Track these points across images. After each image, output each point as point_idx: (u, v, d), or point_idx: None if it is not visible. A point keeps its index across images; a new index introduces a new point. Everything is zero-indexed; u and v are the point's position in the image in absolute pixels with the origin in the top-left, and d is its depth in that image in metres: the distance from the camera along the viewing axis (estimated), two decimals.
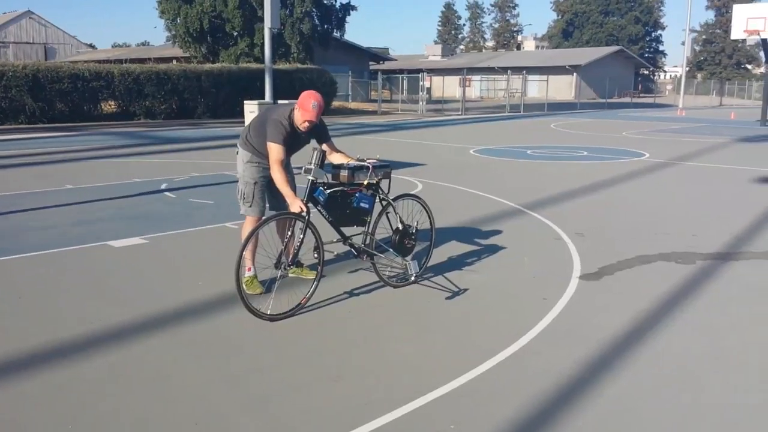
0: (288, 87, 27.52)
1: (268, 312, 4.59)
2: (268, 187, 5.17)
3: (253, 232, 4.75)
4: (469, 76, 48.71)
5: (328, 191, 4.92)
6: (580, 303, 5.08)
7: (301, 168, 4.87)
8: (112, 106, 25.40)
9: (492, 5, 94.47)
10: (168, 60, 39.83)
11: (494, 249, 6.65)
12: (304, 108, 4.83)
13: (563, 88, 60.89)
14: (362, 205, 5.13)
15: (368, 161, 5.17)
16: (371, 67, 51.25)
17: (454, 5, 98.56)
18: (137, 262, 6.06)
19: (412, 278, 5.28)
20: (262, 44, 31.44)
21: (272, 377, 3.74)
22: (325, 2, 36.36)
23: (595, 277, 5.75)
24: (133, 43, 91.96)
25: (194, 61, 35.94)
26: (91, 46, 70.04)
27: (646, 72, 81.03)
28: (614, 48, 69.14)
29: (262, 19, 31.62)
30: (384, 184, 5.31)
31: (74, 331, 4.32)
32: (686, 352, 4.19)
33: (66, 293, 5.12)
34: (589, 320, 4.72)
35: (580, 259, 6.32)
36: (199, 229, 7.36)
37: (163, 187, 10.10)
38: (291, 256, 4.81)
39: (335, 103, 34.23)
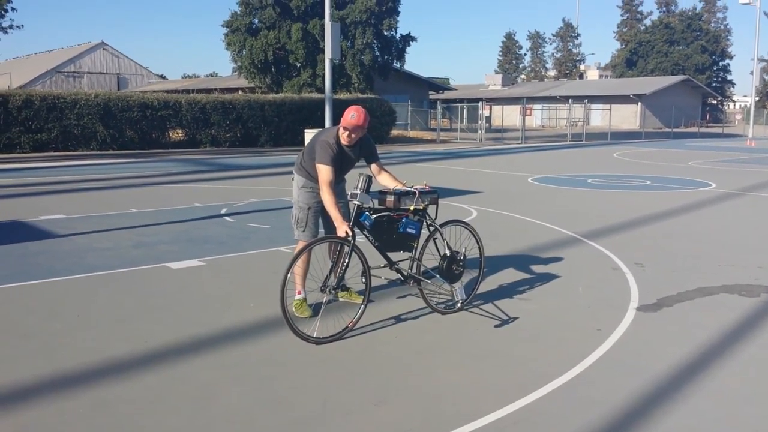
0: None
1: (314, 335, 4.60)
2: (322, 212, 5.21)
3: (299, 254, 4.79)
4: (530, 105, 48.38)
5: (374, 216, 4.94)
6: (636, 334, 4.91)
7: (348, 194, 4.91)
8: (180, 134, 26.23)
9: (554, 35, 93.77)
10: (233, 90, 41.02)
11: (548, 278, 6.52)
12: (344, 120, 4.90)
13: (627, 117, 59.80)
14: (408, 230, 5.12)
15: (415, 187, 5.17)
16: (431, 97, 51.56)
17: (515, 35, 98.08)
18: (193, 283, 6.18)
19: (458, 304, 5.22)
20: (324, 75, 32.16)
21: (315, 399, 3.73)
22: (385, 34, 36.85)
23: (653, 309, 5.56)
24: (202, 74, 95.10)
25: (258, 91, 36.89)
26: (162, 76, 72.74)
27: (714, 101, 78.87)
28: (680, 77, 67.63)
29: (323, 51, 32.38)
30: (431, 210, 5.29)
31: (125, 350, 4.42)
32: (746, 390, 3.98)
33: (121, 312, 5.25)
34: (645, 352, 4.55)
35: (638, 289, 6.13)
36: (254, 253, 7.47)
37: (223, 211, 10.32)
38: (336, 280, 4.83)
39: (394, 132, 34.48)
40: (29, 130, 22.01)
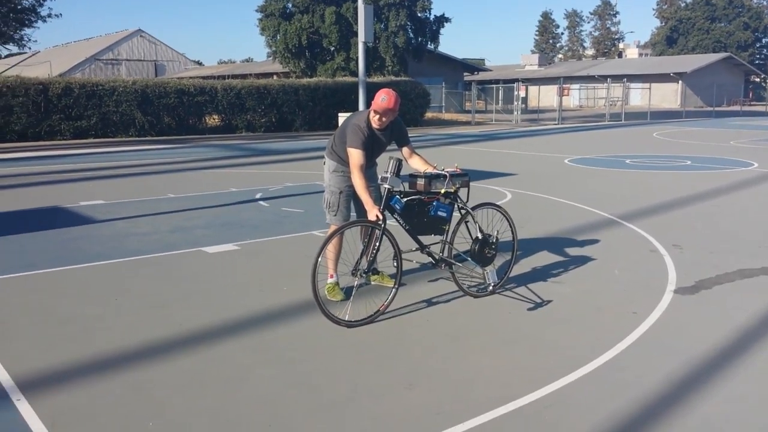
0: None
1: (346, 318, 4.62)
2: (353, 196, 5.21)
3: (330, 238, 4.79)
4: (567, 85, 47.60)
5: (405, 200, 4.92)
6: (673, 317, 4.82)
7: (379, 177, 4.90)
8: (216, 120, 26.48)
9: (591, 13, 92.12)
10: (268, 75, 41.16)
11: (584, 260, 6.44)
12: (375, 103, 4.87)
13: (668, 96, 58.51)
14: (440, 213, 5.09)
15: (446, 170, 5.13)
16: (465, 78, 51.08)
17: (551, 14, 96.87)
18: (228, 267, 6.25)
19: (490, 287, 5.18)
20: (357, 58, 32.04)
21: (346, 382, 3.75)
22: (419, 15, 36.54)
23: (691, 291, 5.45)
24: (238, 60, 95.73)
25: (293, 75, 36.97)
26: (198, 62, 73.46)
27: (757, 79, 76.65)
28: (722, 55, 65.84)
29: (357, 34, 32.25)
30: (462, 193, 5.25)
31: (160, 333, 4.50)
32: None
33: (158, 296, 5.35)
34: (682, 335, 4.47)
35: (676, 271, 6.01)
36: (288, 237, 7.53)
37: (257, 196, 10.40)
38: (367, 264, 4.83)
39: (429, 114, 34.30)
40: (69, 118, 22.43)
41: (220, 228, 7.99)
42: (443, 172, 5.07)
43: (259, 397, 3.57)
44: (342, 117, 23.41)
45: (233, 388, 3.68)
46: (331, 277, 5.23)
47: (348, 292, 5.17)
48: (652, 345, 4.30)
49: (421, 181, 5.00)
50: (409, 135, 5.35)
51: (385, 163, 4.91)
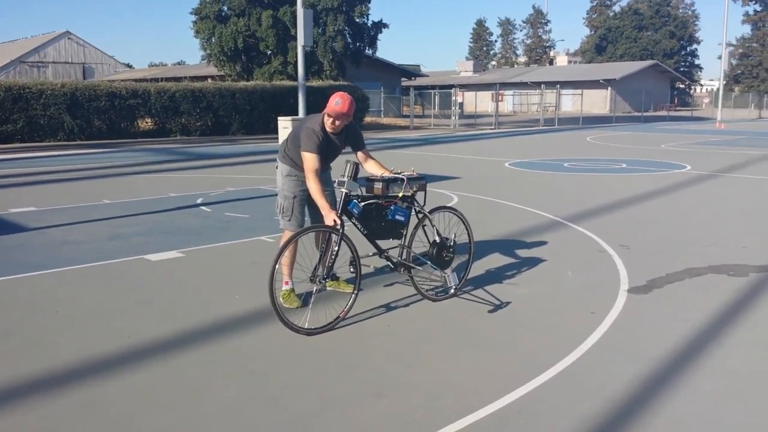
0: (321, 103, 27.23)
1: (306, 326, 4.46)
2: (307, 200, 5.05)
3: (287, 245, 4.63)
4: (502, 91, 48.43)
5: (363, 204, 4.81)
6: (631, 317, 4.85)
7: (335, 181, 4.77)
8: (149, 124, 25.75)
9: (524, 21, 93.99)
10: (203, 78, 40.38)
11: (535, 262, 6.45)
12: (329, 107, 4.75)
13: (598, 102, 60.22)
14: (397, 217, 5.00)
15: (403, 174, 5.05)
16: (403, 83, 51.34)
17: (485, 22, 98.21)
18: (174, 275, 5.99)
19: (452, 290, 5.10)
20: (296, 62, 31.67)
21: (310, 394, 3.59)
22: (357, 21, 36.50)
23: (644, 291, 5.51)
24: (170, 63, 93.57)
25: (228, 79, 36.36)
26: (129, 65, 71.47)
27: (682, 86, 79.86)
28: (649, 62, 68.31)
29: (295, 38, 31.88)
30: (419, 196, 5.18)
31: (108, 347, 4.24)
32: (745, 370, 3.94)
33: (102, 307, 5.06)
34: (641, 335, 4.49)
35: (626, 271, 6.08)
36: (235, 243, 7.29)
37: (198, 201, 10.08)
38: (326, 270, 4.69)
39: (368, 119, 34.28)
40: None
41: (162, 235, 7.68)
42: (400, 176, 4.98)
43: (219, 413, 3.38)
44: (282, 121, 23.10)
45: (191, 404, 3.48)
46: (286, 284, 5.06)
47: (303, 299, 5.02)
48: (614, 346, 4.30)
49: (378, 185, 4.89)
50: None
51: (341, 166, 4.78)
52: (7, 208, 9.41)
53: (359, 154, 5.16)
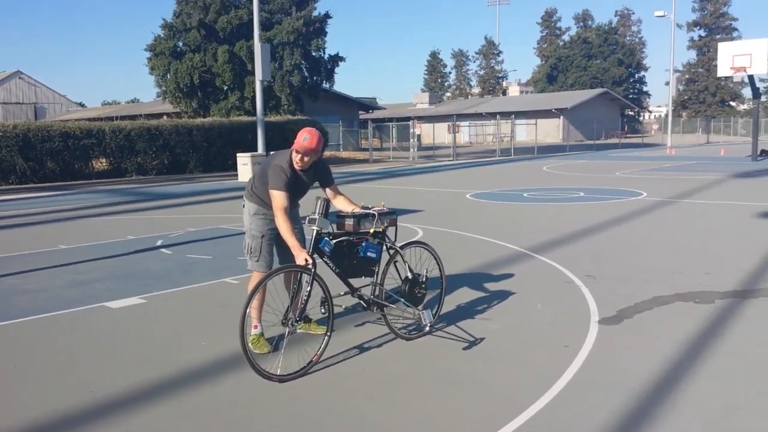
0: (279, 138, 27.56)
1: (278, 372, 4.33)
2: (276, 240, 4.96)
3: (258, 287, 4.50)
4: (458, 122, 49.12)
5: (334, 241, 4.73)
6: (605, 349, 4.84)
7: (305, 219, 4.69)
8: (104, 164, 25.30)
9: (476, 53, 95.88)
10: (158, 116, 39.95)
11: (505, 295, 6.43)
12: (297, 143, 4.69)
13: (551, 131, 61.44)
14: (369, 254, 4.93)
15: (374, 209, 5.00)
16: (361, 116, 51.70)
17: (439, 53, 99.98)
18: (136, 323, 5.79)
19: (427, 328, 5.03)
20: (253, 97, 31.68)
21: None
22: (313, 54, 36.73)
23: (614, 321, 5.52)
24: (123, 101, 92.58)
25: (185, 116, 36.07)
26: (81, 104, 70.46)
27: (631, 112, 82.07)
28: (599, 90, 70.13)
29: (251, 73, 31.92)
30: (390, 232, 5.13)
31: (71, 402, 4.04)
32: (725, 400, 3.94)
33: (63, 359, 4.84)
34: (617, 368, 4.48)
35: (595, 302, 6.10)
36: (198, 286, 7.11)
37: (158, 243, 9.86)
38: (298, 311, 4.58)
39: (327, 153, 34.28)
40: None
41: (122, 280, 7.46)
42: (371, 211, 4.93)
43: None
44: (241, 157, 22.99)
45: None
46: (255, 327, 4.92)
47: (274, 343, 4.89)
48: (591, 381, 4.27)
49: (349, 222, 4.82)
50: None
51: (311, 203, 4.71)
52: None
53: (328, 190, 5.10)
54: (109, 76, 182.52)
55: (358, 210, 4.93)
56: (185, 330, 5.54)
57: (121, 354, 4.95)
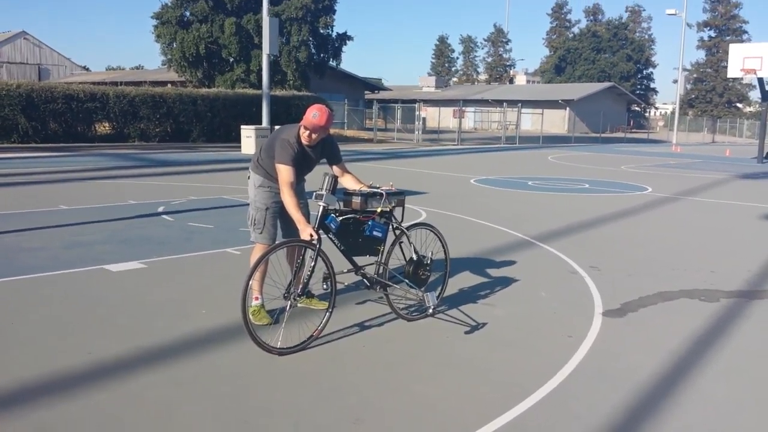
0: (284, 113, 27.39)
1: (278, 345, 4.27)
2: (280, 213, 4.88)
3: (261, 259, 4.42)
4: (464, 108, 48.85)
5: (340, 218, 4.65)
6: (608, 342, 4.78)
7: (312, 194, 4.61)
8: (107, 128, 25.12)
9: (485, 40, 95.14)
10: (163, 84, 39.64)
11: (508, 281, 6.37)
12: (305, 119, 4.61)
13: (556, 121, 61.14)
14: (375, 233, 4.85)
15: (382, 188, 4.91)
16: (366, 97, 51.36)
17: (447, 38, 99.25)
18: (136, 287, 5.72)
19: (430, 310, 4.95)
20: (258, 70, 31.43)
21: (285, 419, 3.41)
22: (321, 32, 36.36)
23: (618, 314, 5.46)
24: (128, 67, 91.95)
25: (189, 85, 35.80)
26: (85, 68, 69.91)
27: (638, 108, 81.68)
28: (607, 84, 69.71)
29: (258, 46, 31.65)
30: (397, 212, 5.05)
31: (66, 364, 3.98)
32: (732, 398, 3.89)
33: (59, 321, 4.78)
34: (621, 361, 4.42)
35: (599, 294, 6.04)
36: (200, 254, 7.04)
37: (160, 209, 9.78)
38: (301, 286, 4.51)
39: (331, 130, 33.99)
40: None
41: (123, 244, 7.39)
42: (379, 190, 4.84)
43: None
44: (245, 129, 22.84)
45: (158, 428, 3.26)
46: (256, 299, 4.86)
47: (274, 316, 4.82)
48: (594, 372, 4.21)
49: (357, 200, 4.74)
50: None
51: (319, 179, 4.62)
52: None
53: (335, 167, 5.01)
54: (115, 41, 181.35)
55: (365, 188, 4.85)
56: (186, 297, 5.47)
57: (120, 318, 4.88)
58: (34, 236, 7.59)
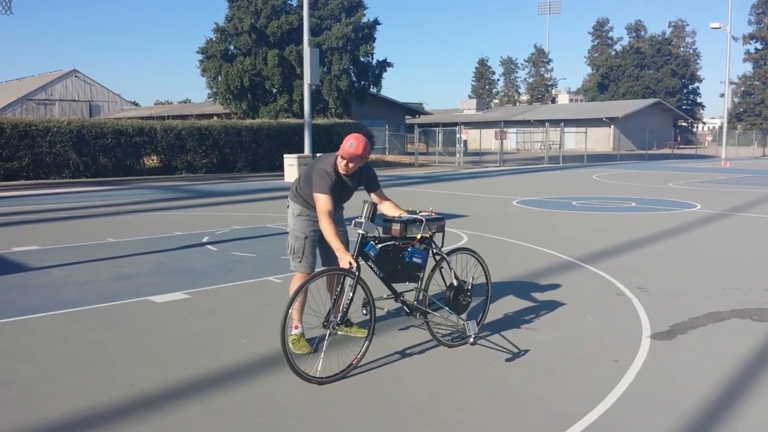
0: (326, 141, 27.71)
1: (317, 375, 4.25)
2: (319, 242, 4.89)
3: (301, 288, 4.43)
4: (505, 129, 48.66)
5: (380, 246, 4.63)
6: (656, 365, 4.63)
7: (351, 221, 4.61)
8: (155, 161, 25.76)
9: (526, 60, 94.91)
10: (209, 116, 40.58)
11: (553, 305, 6.24)
12: (342, 148, 4.61)
13: (601, 139, 60.39)
14: (415, 259, 4.81)
15: (421, 214, 4.89)
16: (407, 121, 51.62)
17: (488, 61, 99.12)
18: (179, 318, 5.79)
19: (471, 340, 4.87)
20: (301, 100, 31.90)
21: None
22: (362, 60, 36.80)
23: (667, 337, 5.29)
24: (175, 101, 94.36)
25: (234, 117, 36.54)
26: (135, 103, 71.99)
27: (685, 123, 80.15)
28: (652, 100, 68.70)
29: (300, 76, 32.16)
30: (437, 237, 5.01)
31: (110, 395, 4.03)
32: None
33: (104, 352, 4.86)
34: (669, 385, 4.27)
35: (647, 316, 5.87)
36: (242, 284, 7.10)
37: (204, 240, 9.92)
38: (340, 314, 4.49)
39: (372, 156, 34.27)
40: None
41: (167, 275, 7.50)
42: (419, 217, 4.82)
43: None
44: (288, 158, 23.14)
45: None
46: (296, 328, 4.86)
47: (313, 344, 4.81)
48: (642, 397, 4.08)
49: (396, 226, 4.72)
50: None
51: (358, 207, 4.62)
52: (9, 246, 9.26)
53: (374, 195, 5.00)
54: (163, 76, 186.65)
55: (405, 215, 4.83)
56: (227, 327, 5.51)
57: (162, 348, 4.94)
58: (81, 269, 7.77)
